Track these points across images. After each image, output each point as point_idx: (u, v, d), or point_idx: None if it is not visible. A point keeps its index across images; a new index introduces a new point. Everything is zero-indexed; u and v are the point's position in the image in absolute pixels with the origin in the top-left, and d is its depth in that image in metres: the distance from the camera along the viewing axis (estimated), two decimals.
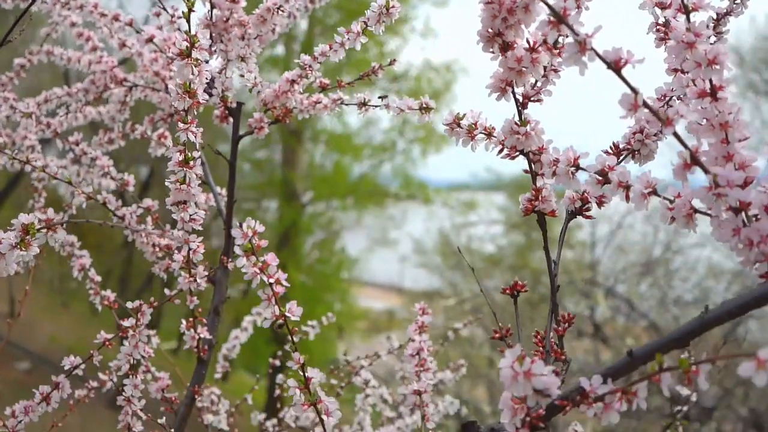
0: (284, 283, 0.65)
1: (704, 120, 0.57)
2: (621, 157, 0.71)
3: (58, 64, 1.30)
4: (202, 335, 1.00)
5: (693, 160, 0.54)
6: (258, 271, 0.64)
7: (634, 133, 0.71)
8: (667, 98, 0.71)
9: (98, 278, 1.13)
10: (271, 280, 0.64)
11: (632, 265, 6.94)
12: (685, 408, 1.16)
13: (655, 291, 7.08)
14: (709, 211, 0.55)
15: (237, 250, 0.64)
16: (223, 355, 1.48)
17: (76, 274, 1.14)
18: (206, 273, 0.94)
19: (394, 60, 1.03)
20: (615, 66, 0.52)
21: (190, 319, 1.00)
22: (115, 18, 1.12)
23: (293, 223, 11.07)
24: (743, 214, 0.54)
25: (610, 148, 0.72)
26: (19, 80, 1.36)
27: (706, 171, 0.53)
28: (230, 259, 1.01)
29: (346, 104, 1.00)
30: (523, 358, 0.52)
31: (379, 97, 0.98)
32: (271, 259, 0.65)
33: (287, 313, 0.65)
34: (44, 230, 0.69)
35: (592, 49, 0.52)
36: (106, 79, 1.21)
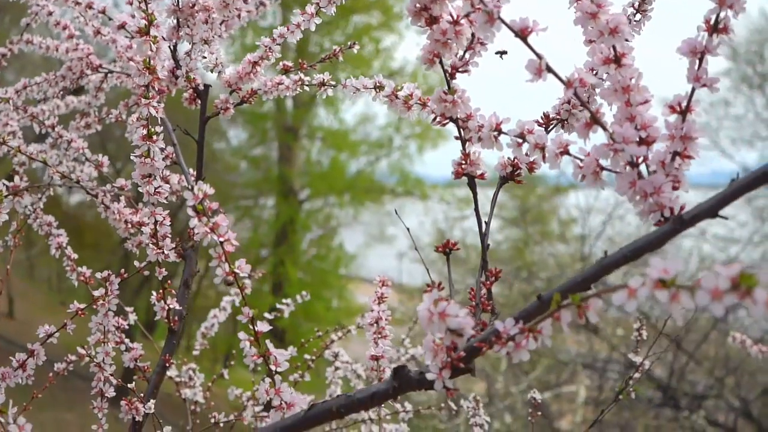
0: (234, 242, 0.70)
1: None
2: (550, 126, 0.76)
3: (37, 52, 1.35)
4: (172, 306, 1.05)
5: (593, 119, 0.59)
6: (209, 230, 0.69)
7: (563, 103, 0.76)
8: (594, 71, 0.76)
9: (75, 255, 1.18)
10: (222, 239, 0.69)
11: None
12: (637, 375, 1.21)
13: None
14: (611, 168, 0.60)
15: (189, 211, 0.69)
16: (201, 333, 1.53)
17: (53, 252, 1.19)
18: (173, 245, 0.99)
19: (355, 43, 1.08)
20: (521, 34, 0.57)
21: (160, 290, 1.05)
22: (89, 6, 1.16)
23: (290, 220, 11.13)
24: (641, 168, 0.59)
25: (541, 117, 0.77)
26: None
27: (605, 129, 0.58)
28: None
29: (307, 85, 1.05)
30: (439, 301, 0.57)
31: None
32: (222, 219, 0.70)
33: (236, 270, 0.70)
34: (11, 197, 0.74)
35: (500, 18, 0.57)
36: (83, 65, 1.26)
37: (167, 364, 1.08)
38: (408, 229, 1.04)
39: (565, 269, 7.65)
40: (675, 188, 0.58)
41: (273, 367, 0.72)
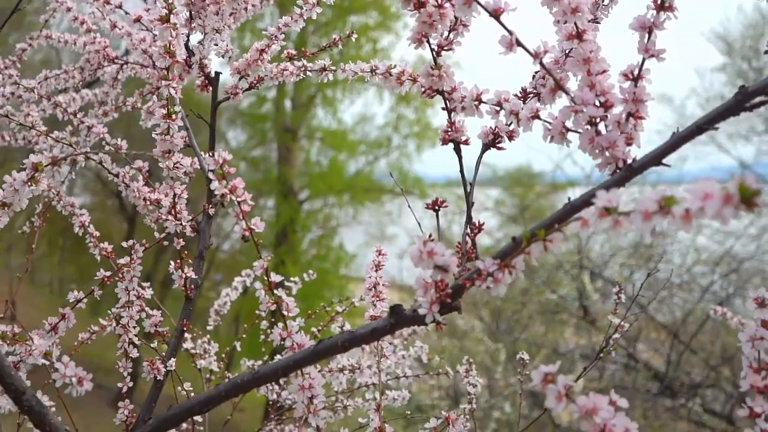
0: (250, 201, 0.80)
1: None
2: (528, 99, 0.86)
3: (56, 46, 1.45)
4: (188, 275, 1.15)
5: (557, 86, 0.68)
6: (228, 191, 0.79)
7: (538, 79, 0.85)
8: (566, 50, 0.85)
9: (97, 233, 1.27)
10: (240, 199, 0.79)
11: (620, 248, 7.11)
12: (617, 336, 1.30)
13: (644, 273, 7.26)
14: (574, 128, 0.70)
15: (210, 175, 0.79)
16: (214, 310, 1.63)
17: (77, 230, 1.29)
18: (191, 217, 1.09)
19: (352, 32, 1.18)
20: (495, 13, 0.67)
21: (178, 260, 1.14)
22: (107, 2, 1.26)
23: (290, 221, 11.22)
24: (600, 127, 0.69)
25: (519, 91, 0.86)
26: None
27: (567, 93, 0.68)
28: (212, 206, 1.15)
29: (310, 71, 1.14)
30: (428, 242, 0.67)
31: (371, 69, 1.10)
32: (239, 182, 0.80)
33: (253, 226, 0.80)
34: (50, 166, 0.84)
35: (477, 1, 0.67)
36: (100, 58, 1.36)
37: (185, 329, 1.17)
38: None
39: (564, 264, 7.76)
40: (628, 144, 0.68)
41: (285, 313, 0.82)
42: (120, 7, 1.27)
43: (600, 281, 7.04)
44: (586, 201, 0.66)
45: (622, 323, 1.30)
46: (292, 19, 1.10)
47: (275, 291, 0.82)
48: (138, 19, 1.23)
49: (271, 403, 1.53)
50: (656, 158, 0.63)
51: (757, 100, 0.61)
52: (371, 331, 0.75)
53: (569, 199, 0.67)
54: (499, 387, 6.43)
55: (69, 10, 1.37)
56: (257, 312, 1.66)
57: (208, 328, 1.57)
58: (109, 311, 1.22)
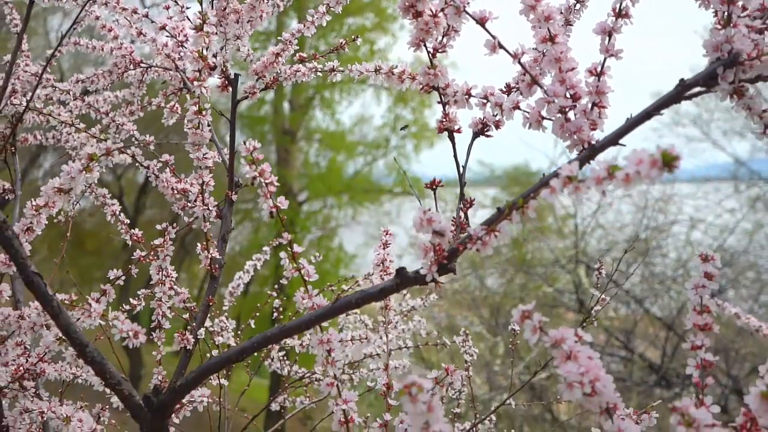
0: (275, 183, 0.94)
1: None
2: (512, 93, 0.99)
3: (84, 52, 1.59)
4: (213, 255, 1.29)
5: (533, 81, 0.82)
6: (257, 174, 0.93)
7: (520, 75, 0.99)
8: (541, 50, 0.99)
9: (127, 221, 1.41)
10: (267, 181, 0.93)
11: (615, 242, 7.26)
12: (598, 307, 1.44)
13: (640, 268, 7.41)
14: (548, 116, 0.83)
15: (242, 160, 0.93)
16: (228, 292, 1.77)
17: (109, 218, 1.42)
18: (216, 203, 1.23)
19: (357, 36, 1.32)
20: (481, 21, 0.81)
21: (204, 242, 1.28)
22: (134, 11, 1.40)
23: (290, 222, 11.36)
24: (570, 115, 0.82)
25: (504, 86, 1.00)
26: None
27: (541, 87, 0.82)
28: (234, 193, 1.29)
29: (320, 72, 1.28)
30: (427, 211, 0.80)
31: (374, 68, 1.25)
32: (267, 167, 0.93)
33: (278, 204, 0.94)
34: (104, 156, 0.97)
35: (465, 11, 0.81)
36: (126, 62, 1.49)
37: (210, 304, 1.31)
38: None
39: (560, 259, 7.91)
40: (593, 129, 0.82)
41: (306, 278, 0.96)
42: (146, 16, 1.41)
43: (590, 273, 7.20)
44: (554, 174, 0.80)
45: (603, 296, 1.43)
46: (304, 26, 1.24)
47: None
48: (163, 27, 1.37)
49: (284, 378, 1.67)
50: (613, 140, 0.77)
51: (695, 90, 0.75)
52: (380, 290, 0.88)
53: (543, 175, 0.81)
54: (498, 380, 6.57)
55: (98, 18, 1.50)
56: (269, 292, 1.80)
57: (224, 308, 1.71)
58: (128, 301, 1.35)
